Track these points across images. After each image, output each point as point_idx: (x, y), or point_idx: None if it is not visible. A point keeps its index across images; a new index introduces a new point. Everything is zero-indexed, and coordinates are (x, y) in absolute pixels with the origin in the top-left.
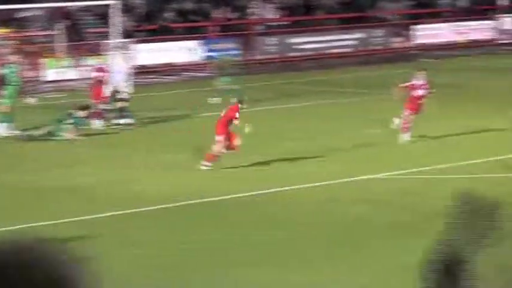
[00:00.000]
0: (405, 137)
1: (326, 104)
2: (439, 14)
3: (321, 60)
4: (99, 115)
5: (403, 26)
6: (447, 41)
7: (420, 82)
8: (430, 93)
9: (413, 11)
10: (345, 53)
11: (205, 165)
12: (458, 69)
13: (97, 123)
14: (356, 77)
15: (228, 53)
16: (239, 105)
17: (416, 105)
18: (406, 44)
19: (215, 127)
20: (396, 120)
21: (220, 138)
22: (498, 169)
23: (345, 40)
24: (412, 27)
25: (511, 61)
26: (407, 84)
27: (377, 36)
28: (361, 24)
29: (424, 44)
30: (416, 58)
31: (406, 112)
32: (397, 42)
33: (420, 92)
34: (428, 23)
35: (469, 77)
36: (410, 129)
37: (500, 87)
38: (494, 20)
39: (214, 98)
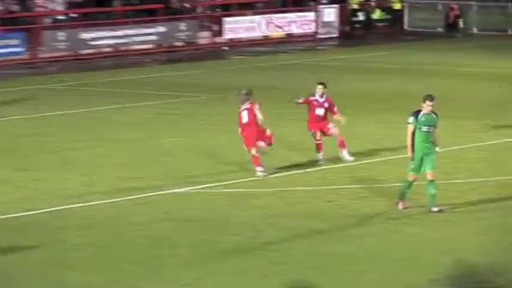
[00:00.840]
0: (344, 154)
1: (124, 109)
2: (252, 5)
3: (119, 58)
4: None
5: (212, 18)
6: (261, 36)
7: (321, 99)
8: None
9: (223, 2)
10: (146, 49)
11: (261, 171)
12: (270, 68)
13: None
14: (160, 77)
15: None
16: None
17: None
18: (216, 40)
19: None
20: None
21: (253, 150)
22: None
23: (145, 35)
24: (222, 19)
25: (330, 58)
26: (302, 100)
27: (182, 31)
28: (163, 17)
29: (234, 39)
30: (227, 55)
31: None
32: (204, 38)
33: (320, 111)
34: (239, 15)
35: (281, 77)
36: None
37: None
38: (315, 11)
39: None
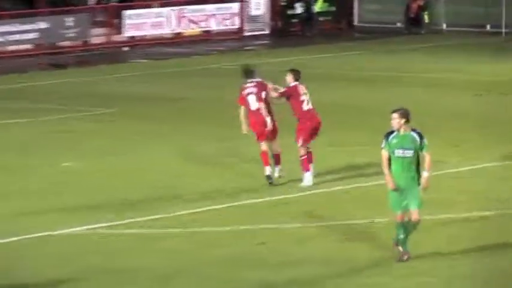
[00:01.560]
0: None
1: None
2: None
3: None
4: None
5: (108, 11)
6: (171, 34)
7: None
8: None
9: None
10: (22, 51)
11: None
12: (182, 74)
13: None
14: (42, 86)
15: None
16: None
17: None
18: (113, 38)
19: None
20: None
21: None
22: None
23: (21, 33)
24: (121, 13)
25: (259, 61)
26: (280, 91)
27: (69, 27)
28: (43, 10)
29: (136, 37)
30: (127, 58)
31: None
32: (98, 36)
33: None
34: (143, 7)
35: (195, 86)
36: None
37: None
38: (240, 2)
39: None
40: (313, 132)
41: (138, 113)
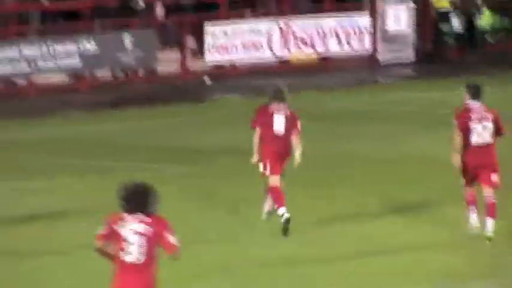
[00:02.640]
0: None
1: None
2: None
3: None
4: None
5: (182, 27)
6: (272, 58)
7: None
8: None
9: None
10: (59, 84)
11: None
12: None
13: None
14: (96, 132)
15: None
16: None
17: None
18: (190, 66)
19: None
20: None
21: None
22: None
23: (59, 57)
24: (203, 28)
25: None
26: None
27: (125, 50)
28: (89, 26)
29: (222, 64)
30: (210, 94)
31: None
32: (169, 62)
33: None
34: (230, 20)
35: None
36: None
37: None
38: (370, 14)
39: None
40: None
41: (229, 171)
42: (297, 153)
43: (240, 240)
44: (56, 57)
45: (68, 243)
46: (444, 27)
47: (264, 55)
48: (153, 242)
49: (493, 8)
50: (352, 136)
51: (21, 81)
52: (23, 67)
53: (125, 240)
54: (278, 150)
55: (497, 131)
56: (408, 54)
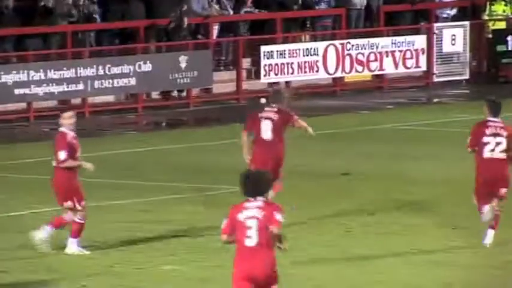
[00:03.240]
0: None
1: None
2: (297, 21)
3: None
4: None
5: (238, 47)
6: (327, 79)
7: None
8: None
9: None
10: (115, 103)
11: None
12: (339, 139)
13: None
14: (147, 154)
15: None
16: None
17: None
18: (247, 86)
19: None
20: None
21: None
22: None
23: (112, 77)
24: (259, 49)
25: (448, 120)
26: None
27: (180, 70)
28: (143, 45)
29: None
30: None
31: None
32: (225, 83)
33: None
34: (286, 41)
35: (360, 156)
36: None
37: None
38: (430, 31)
39: None
40: None
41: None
42: (309, 129)
43: None
44: (112, 78)
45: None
46: (500, 47)
47: (320, 75)
48: (266, 223)
49: None
50: (403, 156)
51: (76, 101)
52: (79, 87)
53: (244, 226)
54: (261, 156)
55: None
56: (463, 74)
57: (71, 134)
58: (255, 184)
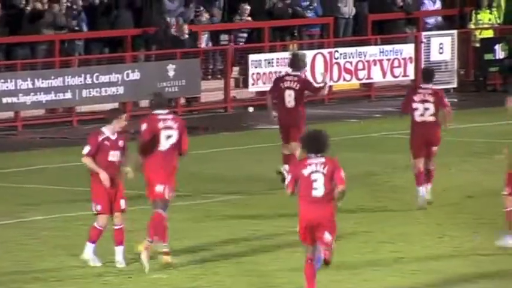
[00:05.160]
0: None
1: None
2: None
3: None
4: None
5: (226, 55)
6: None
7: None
8: None
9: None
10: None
11: None
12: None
13: None
14: None
15: None
16: None
17: None
18: (234, 95)
19: None
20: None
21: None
22: None
23: (101, 86)
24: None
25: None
26: None
27: (168, 79)
28: (131, 54)
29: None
30: (254, 124)
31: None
32: (212, 92)
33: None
34: (274, 49)
35: (345, 164)
36: None
37: None
38: (418, 40)
39: None
40: None
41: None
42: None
43: None
44: (100, 86)
45: None
46: (487, 56)
47: None
48: (330, 177)
49: None
50: (391, 165)
51: (64, 110)
52: (67, 96)
53: (309, 179)
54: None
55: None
56: (451, 83)
57: (106, 135)
58: (316, 142)
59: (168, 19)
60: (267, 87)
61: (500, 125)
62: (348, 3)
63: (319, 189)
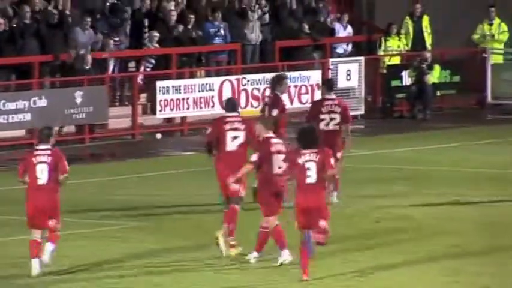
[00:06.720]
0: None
1: None
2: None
3: None
4: None
5: (134, 82)
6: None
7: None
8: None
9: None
10: (13, 139)
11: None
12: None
13: None
14: None
15: None
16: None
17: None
18: (142, 122)
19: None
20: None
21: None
22: None
23: (10, 113)
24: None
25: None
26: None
27: (75, 106)
28: (40, 80)
29: (173, 120)
30: (161, 151)
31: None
32: (120, 118)
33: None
34: (182, 76)
35: None
36: None
37: None
38: (325, 67)
39: None
40: None
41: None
42: None
43: None
44: (7, 113)
45: None
46: (395, 82)
47: (215, 110)
48: (321, 166)
49: (443, 64)
50: None
51: None
52: None
53: (305, 168)
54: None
55: None
56: (358, 109)
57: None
58: (308, 137)
59: (75, 51)
60: (175, 114)
61: (406, 151)
62: (254, 29)
63: (312, 177)
